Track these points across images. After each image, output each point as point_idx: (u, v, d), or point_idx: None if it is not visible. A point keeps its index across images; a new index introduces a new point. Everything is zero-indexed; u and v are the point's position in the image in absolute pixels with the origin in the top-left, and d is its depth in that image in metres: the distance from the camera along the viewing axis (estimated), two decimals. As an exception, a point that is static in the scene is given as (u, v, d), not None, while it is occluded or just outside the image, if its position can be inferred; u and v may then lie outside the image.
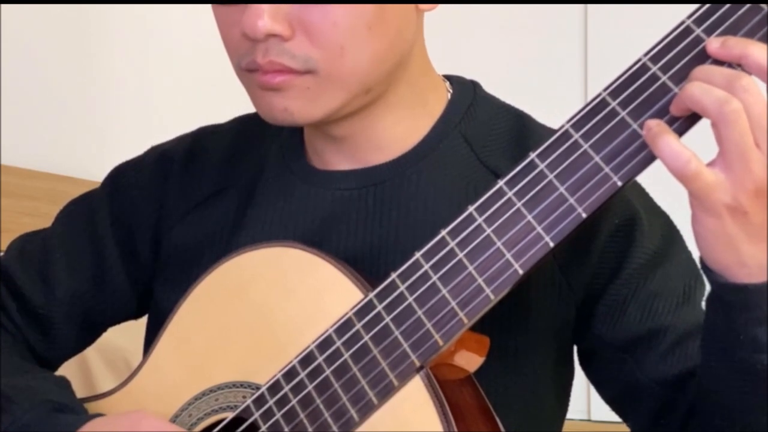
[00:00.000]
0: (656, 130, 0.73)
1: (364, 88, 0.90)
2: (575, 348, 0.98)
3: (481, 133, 0.97)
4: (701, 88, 0.71)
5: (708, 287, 0.79)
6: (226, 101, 2.35)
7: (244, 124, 1.07)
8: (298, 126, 0.90)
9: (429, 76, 0.98)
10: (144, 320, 1.08)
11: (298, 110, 0.88)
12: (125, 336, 1.29)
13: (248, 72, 0.88)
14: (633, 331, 0.90)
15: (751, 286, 0.74)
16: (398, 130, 0.95)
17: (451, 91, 0.99)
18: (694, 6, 0.75)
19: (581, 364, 0.98)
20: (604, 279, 0.92)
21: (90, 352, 1.56)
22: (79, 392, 1.01)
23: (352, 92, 0.89)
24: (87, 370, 1.63)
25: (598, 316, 0.92)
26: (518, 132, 0.97)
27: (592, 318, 0.93)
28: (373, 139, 0.95)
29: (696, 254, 0.81)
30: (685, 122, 0.74)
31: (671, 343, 0.89)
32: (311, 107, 0.88)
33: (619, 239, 0.92)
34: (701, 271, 0.79)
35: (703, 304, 0.88)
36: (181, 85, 2.22)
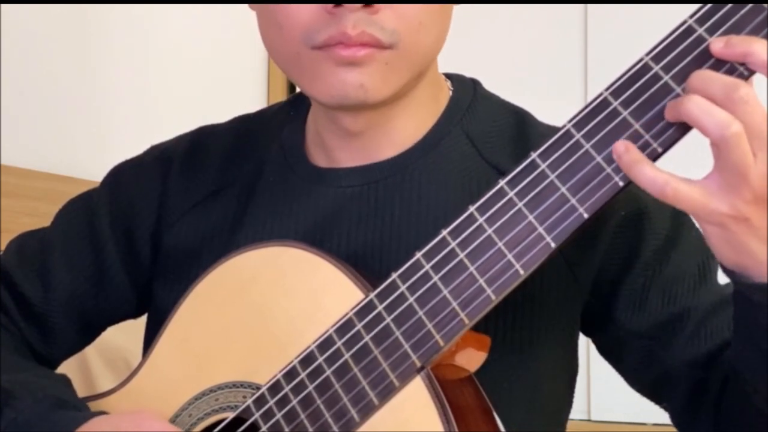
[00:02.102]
0: (626, 159, 0.73)
1: (423, 69, 0.92)
2: (596, 343, 0.98)
3: (483, 130, 0.97)
4: (700, 108, 0.71)
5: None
6: (226, 101, 2.36)
7: (243, 123, 1.08)
8: (367, 105, 0.90)
9: (438, 74, 0.99)
10: (144, 319, 1.08)
11: (373, 87, 0.88)
12: (125, 336, 1.29)
13: (321, 48, 0.87)
14: (656, 317, 0.91)
15: None
16: (411, 126, 0.96)
17: (452, 89, 1.00)
18: (694, 6, 0.75)
19: (607, 358, 0.98)
20: (616, 270, 0.93)
21: (90, 351, 1.56)
22: (79, 392, 1.01)
23: (416, 71, 0.91)
24: (87, 369, 1.62)
25: (619, 307, 0.93)
26: (518, 129, 0.97)
27: (613, 310, 0.93)
28: (387, 133, 0.95)
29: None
30: (680, 128, 0.74)
31: (696, 324, 0.90)
32: (384, 84, 0.88)
33: (628, 230, 0.92)
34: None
35: (720, 278, 0.89)
36: (181, 85, 2.22)
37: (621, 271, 0.93)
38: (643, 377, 0.95)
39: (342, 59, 0.86)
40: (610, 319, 0.94)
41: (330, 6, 0.85)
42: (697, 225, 0.93)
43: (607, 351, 0.98)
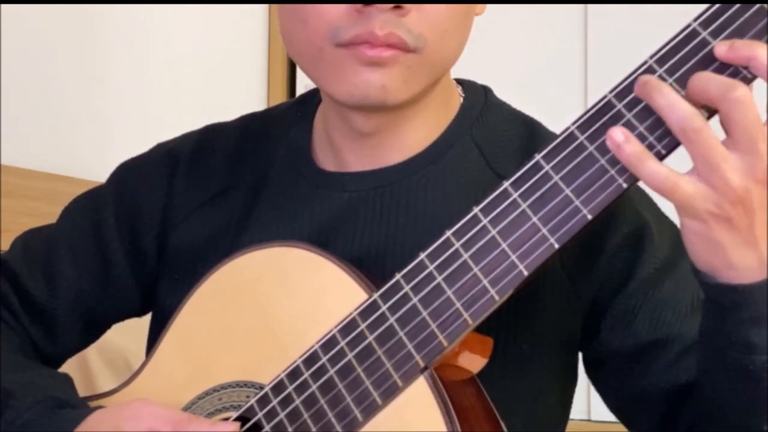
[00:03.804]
0: (628, 151, 0.73)
1: (442, 75, 0.92)
2: (581, 356, 0.98)
3: (492, 140, 0.97)
4: (666, 99, 0.72)
5: None
6: (227, 101, 2.36)
7: (250, 122, 1.07)
8: (385, 106, 0.90)
9: (450, 80, 0.99)
10: (145, 320, 1.08)
11: (395, 89, 0.88)
12: (126, 336, 1.29)
13: (346, 46, 0.87)
14: (641, 339, 0.91)
15: (740, 286, 0.74)
16: (421, 131, 0.96)
17: (463, 95, 1.00)
18: (693, 5, 0.76)
19: (587, 372, 0.97)
20: (612, 287, 0.92)
21: (90, 352, 1.56)
22: (80, 392, 1.00)
23: (435, 77, 0.91)
24: (87, 370, 1.62)
25: (606, 324, 0.92)
26: (528, 139, 0.97)
27: (600, 326, 0.93)
28: (397, 137, 0.95)
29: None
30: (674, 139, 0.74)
31: (678, 353, 0.89)
32: (405, 87, 0.88)
33: (628, 248, 0.92)
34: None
35: None
36: (181, 85, 2.23)
37: (614, 290, 0.92)
38: (617, 397, 0.94)
39: (367, 59, 0.86)
40: (596, 334, 0.93)
41: (359, 5, 0.85)
42: None
43: (588, 365, 0.97)
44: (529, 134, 0.98)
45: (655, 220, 0.94)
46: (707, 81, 0.72)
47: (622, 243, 0.92)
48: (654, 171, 0.72)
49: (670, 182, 0.72)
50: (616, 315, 0.92)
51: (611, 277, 0.92)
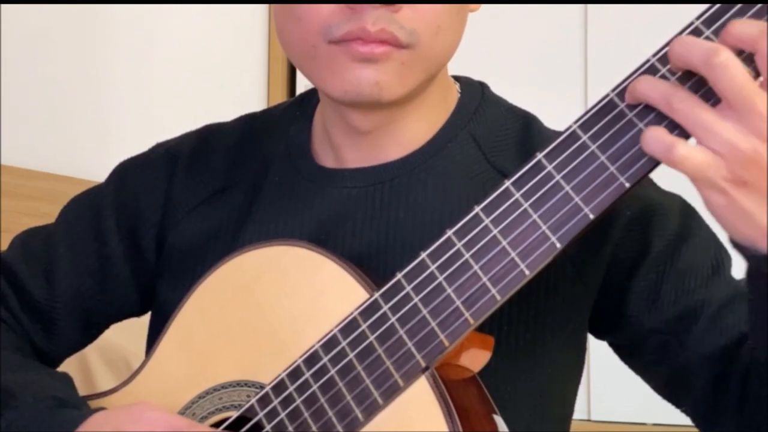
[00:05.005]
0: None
1: (437, 71, 0.92)
2: (612, 345, 0.98)
3: (490, 134, 0.97)
4: (647, 85, 0.72)
5: (740, 262, 0.78)
6: (227, 101, 2.36)
7: (249, 122, 1.08)
8: (380, 103, 0.90)
9: (447, 77, 1.00)
10: (145, 320, 1.08)
11: (388, 86, 0.88)
12: (126, 335, 1.29)
13: (339, 43, 0.87)
14: (671, 310, 0.91)
15: None
16: (419, 127, 0.96)
17: (460, 91, 1.00)
18: (693, 6, 0.75)
19: (625, 360, 0.97)
20: (627, 268, 0.92)
21: (90, 351, 1.56)
22: (80, 392, 1.00)
23: (430, 74, 0.91)
24: (87, 370, 1.63)
25: (632, 304, 0.92)
26: (525, 134, 0.97)
27: (625, 308, 0.93)
28: (395, 133, 0.96)
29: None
30: (686, 130, 0.74)
31: (711, 316, 0.89)
32: (399, 84, 0.88)
33: (636, 228, 0.92)
34: (725, 244, 0.79)
35: (734, 274, 0.88)
36: (182, 85, 2.23)
37: (632, 269, 0.92)
38: (660, 375, 0.94)
39: (359, 55, 0.86)
40: (623, 317, 0.93)
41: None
42: (707, 221, 0.93)
43: (623, 351, 0.97)
44: (526, 129, 0.98)
45: (657, 195, 0.94)
46: (688, 46, 0.71)
47: (627, 225, 0.92)
48: (656, 137, 0.72)
49: (679, 151, 0.71)
50: (641, 293, 0.92)
51: (624, 258, 0.92)
